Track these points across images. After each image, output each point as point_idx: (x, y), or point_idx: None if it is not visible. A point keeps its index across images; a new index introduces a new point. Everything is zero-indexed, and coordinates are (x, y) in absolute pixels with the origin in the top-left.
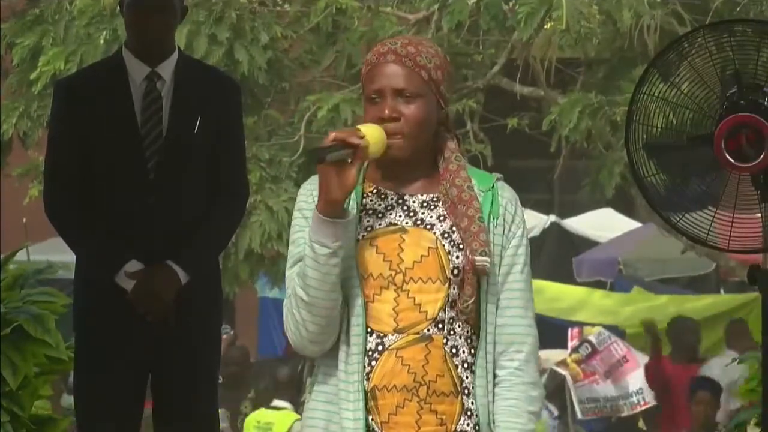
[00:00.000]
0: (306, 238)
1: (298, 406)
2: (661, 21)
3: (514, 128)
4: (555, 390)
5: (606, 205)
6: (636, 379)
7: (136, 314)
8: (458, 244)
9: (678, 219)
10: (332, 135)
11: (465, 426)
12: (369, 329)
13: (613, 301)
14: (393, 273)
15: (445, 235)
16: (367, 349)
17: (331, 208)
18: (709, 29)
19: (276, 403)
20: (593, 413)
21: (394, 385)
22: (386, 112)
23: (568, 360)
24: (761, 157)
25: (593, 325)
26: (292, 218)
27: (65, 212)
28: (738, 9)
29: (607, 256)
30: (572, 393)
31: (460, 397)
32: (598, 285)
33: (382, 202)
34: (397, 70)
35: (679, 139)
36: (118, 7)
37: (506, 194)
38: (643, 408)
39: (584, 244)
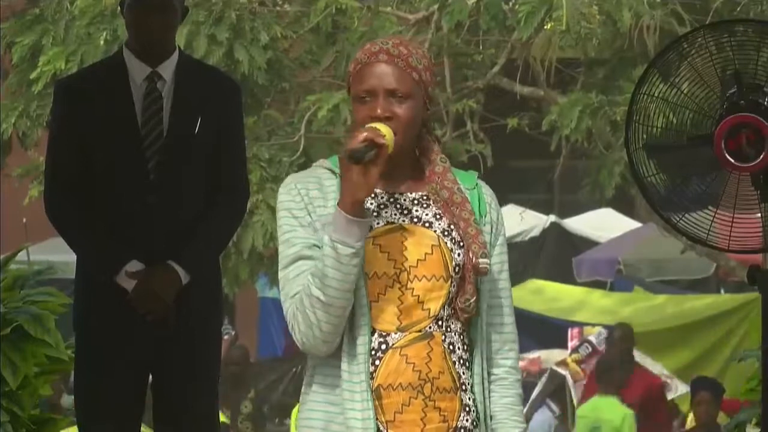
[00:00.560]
0: (301, 238)
1: None
2: (661, 21)
3: (514, 128)
4: (555, 390)
5: (606, 205)
6: None
7: (137, 314)
8: (458, 242)
9: (678, 219)
10: (363, 135)
11: (465, 422)
12: (371, 329)
13: (613, 301)
14: (398, 271)
15: (446, 233)
16: (371, 348)
17: (357, 208)
18: (709, 29)
19: None
20: None
21: (400, 384)
22: (379, 111)
23: (568, 360)
24: (761, 157)
25: (593, 325)
26: (279, 218)
27: (66, 212)
28: (738, 9)
29: (607, 256)
30: (572, 393)
31: (459, 394)
32: (598, 285)
33: (374, 201)
34: (390, 71)
35: (679, 139)
36: (119, 7)
37: (488, 192)
38: None
39: (584, 244)
